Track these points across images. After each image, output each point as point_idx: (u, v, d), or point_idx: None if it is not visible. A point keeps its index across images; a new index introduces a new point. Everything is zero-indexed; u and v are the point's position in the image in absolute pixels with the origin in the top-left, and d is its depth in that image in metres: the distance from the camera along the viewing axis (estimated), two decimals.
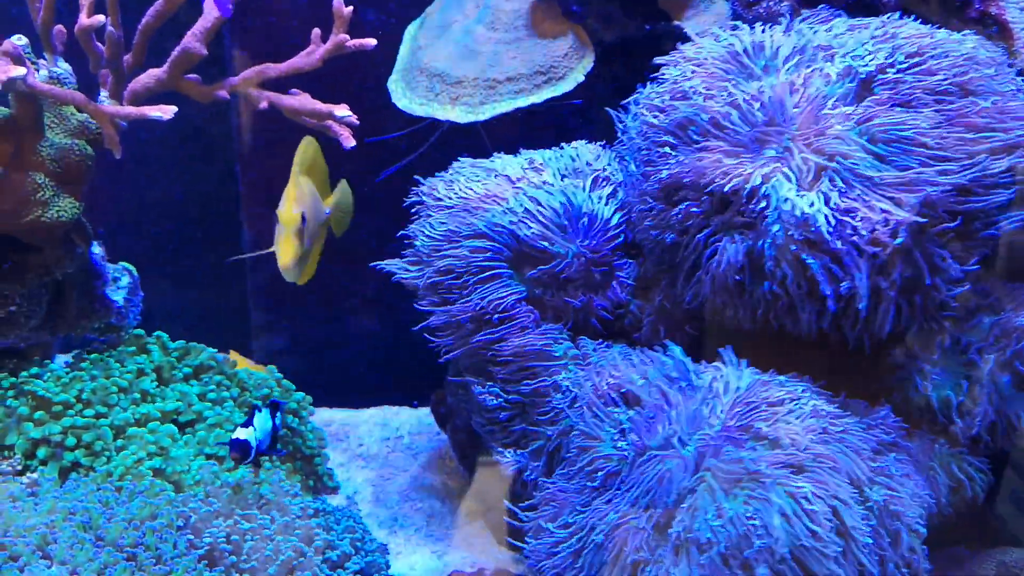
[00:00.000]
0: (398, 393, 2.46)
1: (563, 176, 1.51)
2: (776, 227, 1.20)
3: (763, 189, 1.22)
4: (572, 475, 1.33)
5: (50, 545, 1.29)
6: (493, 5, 1.75)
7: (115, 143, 1.34)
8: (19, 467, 1.37)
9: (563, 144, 1.60)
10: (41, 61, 1.45)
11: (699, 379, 1.27)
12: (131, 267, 1.73)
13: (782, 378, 1.25)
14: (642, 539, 1.19)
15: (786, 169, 1.22)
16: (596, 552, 1.22)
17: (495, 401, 1.46)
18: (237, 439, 1.40)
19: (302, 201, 1.50)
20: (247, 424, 1.43)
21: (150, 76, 1.47)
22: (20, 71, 1.18)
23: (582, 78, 1.66)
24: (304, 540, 1.45)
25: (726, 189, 1.24)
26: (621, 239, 1.50)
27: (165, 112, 1.28)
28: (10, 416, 1.40)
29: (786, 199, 1.20)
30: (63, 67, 1.47)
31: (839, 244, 1.17)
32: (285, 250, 1.47)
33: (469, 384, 1.54)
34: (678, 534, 1.16)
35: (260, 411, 1.48)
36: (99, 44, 1.35)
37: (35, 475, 1.37)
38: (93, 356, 1.57)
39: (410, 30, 1.88)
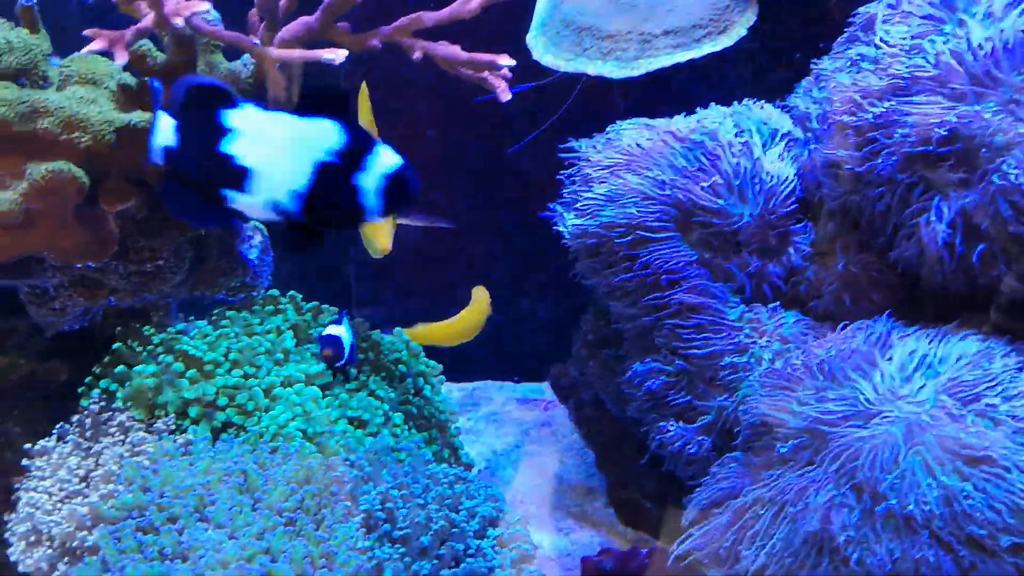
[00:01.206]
0: (499, 368, 2.42)
1: (737, 133, 1.42)
2: (1009, 178, 1.11)
3: (988, 140, 1.12)
4: (754, 447, 1.25)
5: (207, 507, 1.24)
6: None
7: (280, 88, 1.27)
8: (172, 426, 1.32)
9: (736, 103, 1.51)
10: None
11: (904, 351, 1.18)
12: (262, 226, 1.68)
13: (1001, 347, 1.15)
14: (846, 517, 1.11)
15: (1010, 119, 1.13)
16: (792, 531, 1.14)
17: (658, 379, 1.38)
18: (330, 335, 1.21)
19: None
20: (338, 323, 1.25)
21: (301, 23, 1.41)
22: (204, 6, 1.12)
23: (744, 32, 1.57)
24: (453, 509, 1.39)
25: (943, 147, 1.14)
26: (796, 202, 1.41)
27: (337, 55, 1.21)
28: (164, 373, 1.35)
29: (1017, 149, 1.11)
30: (213, 13, 1.41)
31: None
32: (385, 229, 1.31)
33: (625, 351, 1.46)
34: (888, 511, 1.08)
35: (341, 321, 1.30)
36: None
37: (187, 435, 1.32)
38: (231, 314, 1.53)
39: None
